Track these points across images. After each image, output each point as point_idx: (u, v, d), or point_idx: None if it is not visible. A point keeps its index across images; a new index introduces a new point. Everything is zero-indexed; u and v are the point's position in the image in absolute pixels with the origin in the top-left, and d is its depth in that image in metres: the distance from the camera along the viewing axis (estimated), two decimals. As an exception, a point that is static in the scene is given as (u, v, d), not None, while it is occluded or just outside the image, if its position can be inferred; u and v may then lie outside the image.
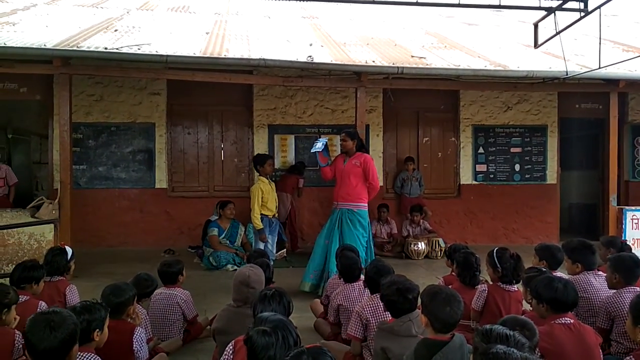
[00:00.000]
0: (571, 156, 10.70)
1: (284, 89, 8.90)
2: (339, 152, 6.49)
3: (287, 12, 10.95)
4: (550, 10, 7.58)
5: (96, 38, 7.14)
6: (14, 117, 10.78)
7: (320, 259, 6.01)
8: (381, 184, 9.26)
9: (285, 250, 7.58)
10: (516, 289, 3.96)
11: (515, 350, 1.93)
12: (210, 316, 4.61)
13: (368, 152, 6.26)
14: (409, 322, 3.08)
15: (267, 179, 6.80)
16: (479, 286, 4.04)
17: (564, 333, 2.99)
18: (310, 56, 6.88)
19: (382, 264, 3.93)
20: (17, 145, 11.27)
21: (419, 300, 3.05)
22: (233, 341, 2.81)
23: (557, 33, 7.43)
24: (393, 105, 9.28)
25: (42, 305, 3.62)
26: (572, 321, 3.06)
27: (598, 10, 6.78)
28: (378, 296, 3.62)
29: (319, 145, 6.17)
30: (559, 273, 3.99)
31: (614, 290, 3.71)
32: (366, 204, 6.10)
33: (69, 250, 4.40)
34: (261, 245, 6.40)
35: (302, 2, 8.94)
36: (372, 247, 6.37)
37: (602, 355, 3.09)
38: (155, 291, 4.36)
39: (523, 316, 3.04)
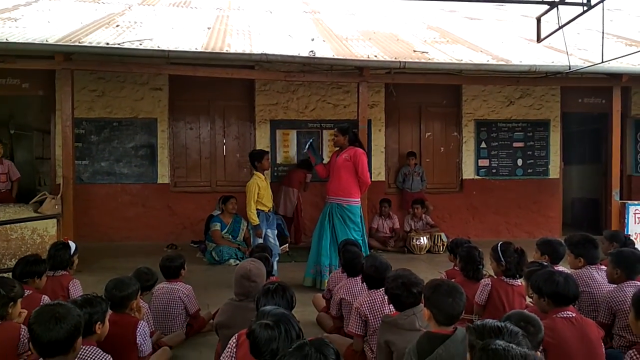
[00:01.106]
0: (574, 151, 10.67)
1: (285, 84, 8.89)
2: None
3: (288, 7, 10.92)
4: (552, 5, 7.56)
5: (98, 33, 7.14)
6: (17, 112, 10.78)
7: (316, 253, 6.04)
8: (383, 179, 9.31)
9: (287, 245, 7.58)
10: (520, 284, 3.96)
11: (514, 346, 1.92)
12: (212, 310, 4.63)
13: (363, 148, 6.18)
14: (413, 316, 3.08)
15: (263, 174, 6.74)
16: (483, 280, 4.04)
17: (566, 327, 2.99)
18: (312, 51, 6.88)
19: (379, 261, 3.81)
20: (20, 141, 11.26)
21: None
22: (236, 335, 2.82)
23: (560, 27, 7.41)
24: (395, 100, 9.26)
25: (45, 299, 3.65)
26: (574, 315, 3.07)
27: (601, 4, 6.75)
28: (376, 292, 3.63)
29: (306, 147, 6.37)
30: (561, 267, 3.99)
31: (616, 285, 3.71)
32: (357, 200, 6.06)
33: (72, 245, 4.42)
34: (261, 240, 6.39)
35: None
36: (367, 243, 6.37)
37: (604, 349, 3.09)
38: (157, 286, 4.37)
39: (526, 310, 3.04)
